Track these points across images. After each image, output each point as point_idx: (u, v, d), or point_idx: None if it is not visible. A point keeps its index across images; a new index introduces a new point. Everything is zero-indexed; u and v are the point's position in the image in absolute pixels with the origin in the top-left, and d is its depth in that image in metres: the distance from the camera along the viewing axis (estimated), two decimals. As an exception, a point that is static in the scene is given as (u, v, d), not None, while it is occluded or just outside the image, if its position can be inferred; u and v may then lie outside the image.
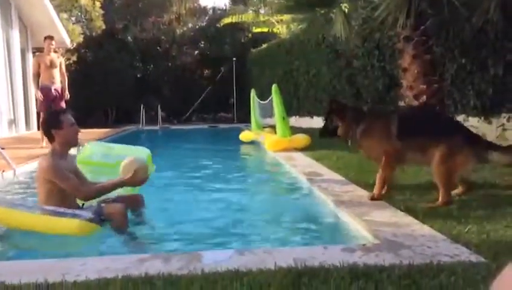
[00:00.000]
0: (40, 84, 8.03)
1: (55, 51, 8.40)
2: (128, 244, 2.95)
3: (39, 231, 2.93)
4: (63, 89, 8.22)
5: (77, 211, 3.00)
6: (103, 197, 3.27)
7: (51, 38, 8.17)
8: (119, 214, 3.04)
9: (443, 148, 3.27)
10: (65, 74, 8.34)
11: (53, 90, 8.04)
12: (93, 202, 3.24)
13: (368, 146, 3.63)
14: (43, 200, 3.07)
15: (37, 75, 8.09)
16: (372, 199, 3.49)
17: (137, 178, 3.17)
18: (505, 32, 5.54)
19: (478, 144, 3.34)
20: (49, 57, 8.06)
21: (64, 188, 2.99)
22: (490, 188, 3.78)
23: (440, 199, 3.27)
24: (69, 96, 8.32)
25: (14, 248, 3.03)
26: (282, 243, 3.01)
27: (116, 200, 3.31)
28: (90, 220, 2.92)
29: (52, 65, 8.03)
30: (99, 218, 2.98)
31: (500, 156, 3.26)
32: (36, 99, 8.51)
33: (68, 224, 2.89)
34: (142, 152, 3.97)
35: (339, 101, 4.05)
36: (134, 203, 3.44)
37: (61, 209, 2.97)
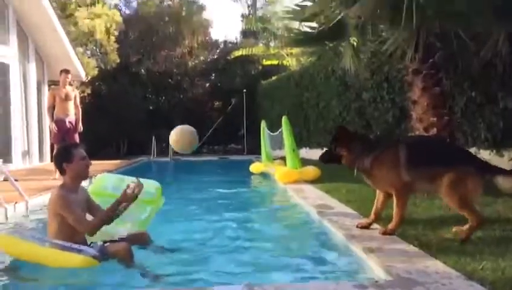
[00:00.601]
0: (54, 116, 8.19)
1: (70, 84, 8.58)
2: (139, 278, 2.93)
3: (43, 263, 2.97)
4: (76, 121, 8.36)
5: (83, 247, 3.02)
6: (108, 237, 3.28)
7: (67, 72, 8.38)
8: (124, 251, 3.03)
9: (451, 176, 3.24)
10: (79, 107, 8.48)
11: (67, 123, 8.18)
12: (99, 241, 3.24)
13: (379, 178, 3.59)
14: (53, 233, 3.10)
15: (52, 108, 8.26)
16: (384, 233, 3.44)
17: (129, 194, 3.15)
18: (514, 65, 5.58)
19: (487, 171, 3.31)
20: (64, 90, 8.23)
21: (69, 221, 3.02)
22: (504, 222, 3.71)
23: (470, 223, 3.21)
24: (82, 128, 8.47)
25: (21, 281, 3.04)
26: (293, 278, 2.96)
27: (121, 239, 3.30)
28: (94, 257, 2.94)
29: (67, 98, 8.20)
30: (103, 257, 2.99)
31: (509, 180, 3.22)
32: (50, 131, 8.66)
33: (71, 259, 2.92)
34: (152, 185, 3.99)
35: (347, 129, 3.85)
36: (141, 241, 3.44)
37: (68, 244, 3.01)
